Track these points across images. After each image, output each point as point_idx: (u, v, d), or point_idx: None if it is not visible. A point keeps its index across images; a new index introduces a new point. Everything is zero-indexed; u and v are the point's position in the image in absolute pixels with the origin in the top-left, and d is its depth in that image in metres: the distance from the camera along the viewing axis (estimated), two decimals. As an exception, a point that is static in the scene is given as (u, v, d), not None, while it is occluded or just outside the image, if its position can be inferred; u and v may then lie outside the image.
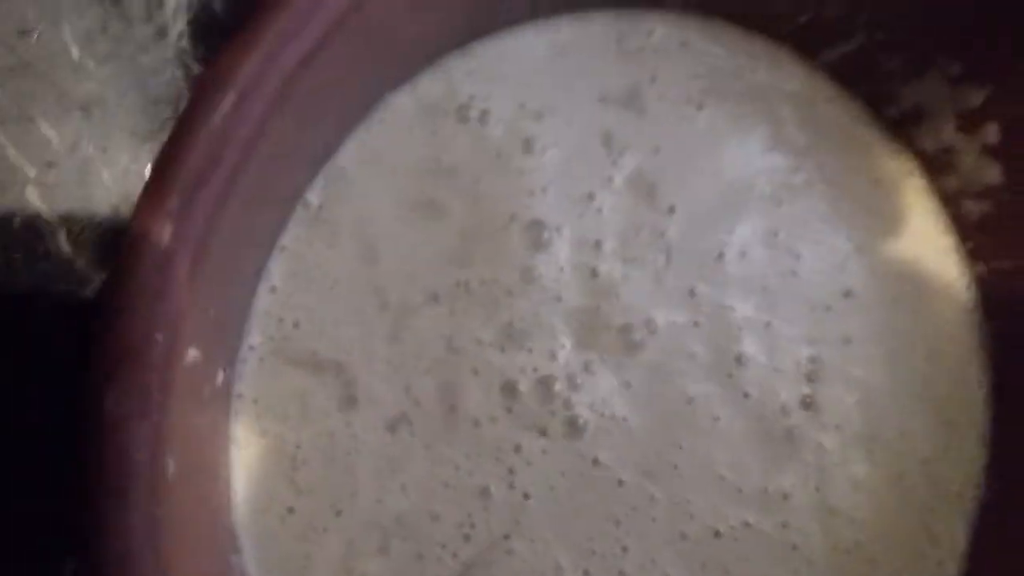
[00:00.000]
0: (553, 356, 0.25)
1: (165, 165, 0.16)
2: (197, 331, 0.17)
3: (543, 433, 0.25)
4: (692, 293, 0.27)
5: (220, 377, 0.21)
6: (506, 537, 0.24)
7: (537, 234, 0.25)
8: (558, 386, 0.25)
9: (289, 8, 0.17)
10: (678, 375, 0.26)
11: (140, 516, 0.16)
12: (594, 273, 0.26)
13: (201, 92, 0.17)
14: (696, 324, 0.27)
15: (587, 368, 0.25)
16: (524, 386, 0.25)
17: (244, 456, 0.22)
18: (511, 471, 0.25)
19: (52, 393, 0.22)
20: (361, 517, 0.23)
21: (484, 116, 0.25)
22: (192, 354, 0.17)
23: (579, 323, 0.25)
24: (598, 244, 0.26)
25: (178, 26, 0.24)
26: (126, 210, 0.23)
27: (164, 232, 0.16)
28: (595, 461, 0.25)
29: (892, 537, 0.28)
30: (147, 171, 0.21)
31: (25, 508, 0.22)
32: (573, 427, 0.25)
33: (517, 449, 0.25)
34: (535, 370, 0.25)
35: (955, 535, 0.28)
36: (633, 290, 0.26)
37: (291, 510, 0.23)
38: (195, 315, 0.17)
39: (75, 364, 0.20)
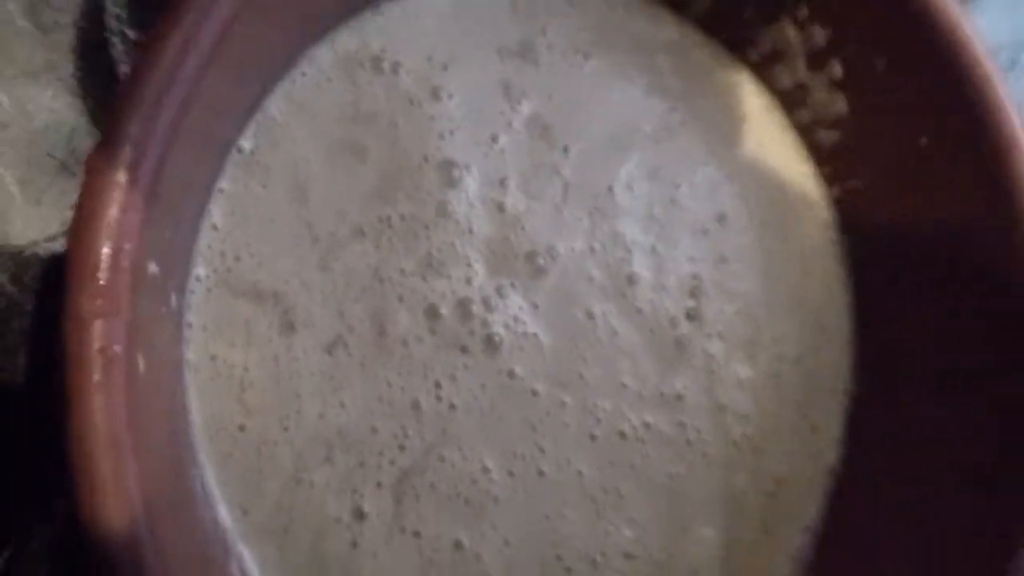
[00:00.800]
0: (469, 282, 0.28)
1: (124, 100, 0.18)
2: (155, 248, 0.19)
3: (464, 351, 0.28)
4: (587, 222, 0.30)
5: (173, 300, 0.23)
6: (437, 445, 0.27)
7: (448, 172, 0.28)
8: (475, 308, 0.28)
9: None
10: (579, 295, 0.29)
11: (122, 405, 0.18)
12: (501, 207, 0.29)
13: (143, 54, 0.19)
14: (592, 250, 0.30)
15: (499, 292, 0.28)
16: (445, 309, 0.28)
17: (196, 379, 0.25)
18: (437, 385, 0.27)
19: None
20: (306, 432, 0.26)
21: (395, 67, 0.28)
22: (152, 268, 0.19)
23: (490, 252, 0.28)
24: (503, 181, 0.29)
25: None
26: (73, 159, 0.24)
27: (121, 168, 0.18)
28: (511, 374, 0.28)
29: (775, 429, 0.31)
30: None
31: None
32: (490, 344, 0.28)
33: (442, 366, 0.27)
34: (454, 294, 0.28)
35: (831, 425, 0.32)
36: (536, 221, 0.29)
37: (242, 428, 0.25)
38: (153, 233, 0.19)
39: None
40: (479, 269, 0.28)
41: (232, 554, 0.24)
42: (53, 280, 0.24)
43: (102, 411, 0.18)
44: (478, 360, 0.28)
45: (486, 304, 0.28)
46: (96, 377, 0.18)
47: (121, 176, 0.18)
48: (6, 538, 0.24)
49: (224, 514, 0.25)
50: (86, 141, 0.25)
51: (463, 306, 0.28)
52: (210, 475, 0.24)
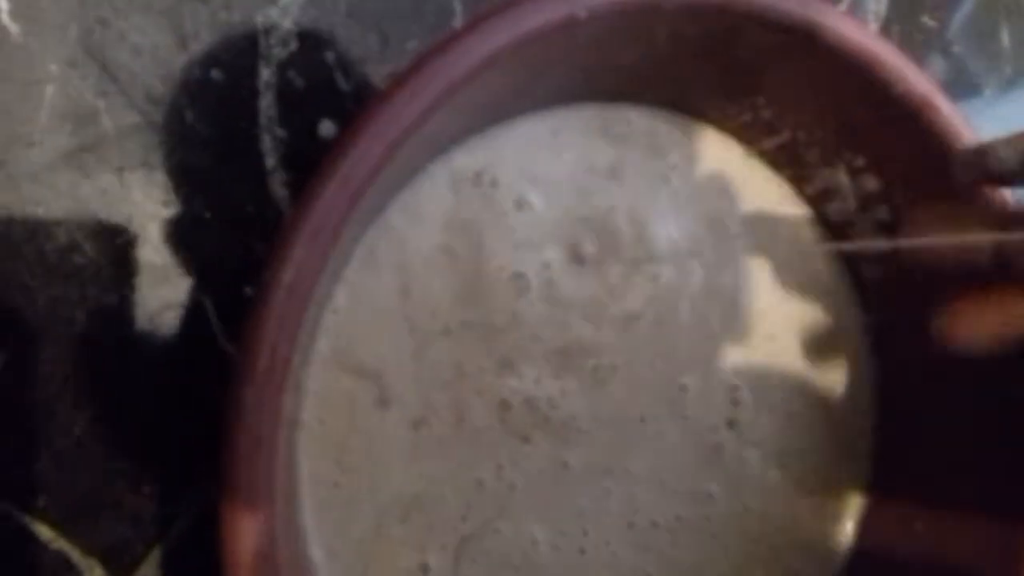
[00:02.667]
0: (537, 382, 0.33)
1: (290, 229, 0.24)
2: (301, 343, 0.25)
3: (526, 440, 0.33)
4: (648, 336, 0.35)
5: (301, 374, 0.28)
6: (494, 518, 0.32)
7: (517, 283, 0.33)
8: (540, 404, 0.33)
9: (372, 126, 0.25)
10: (634, 400, 0.34)
11: (264, 465, 0.23)
12: (566, 325, 0.34)
13: (316, 182, 0.24)
14: (651, 363, 0.34)
15: (563, 393, 0.33)
16: (515, 403, 0.33)
17: (305, 437, 0.30)
18: (501, 467, 0.32)
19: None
20: (389, 493, 0.31)
21: (493, 182, 0.33)
22: (296, 359, 0.25)
23: (557, 360, 0.33)
24: (570, 298, 0.34)
25: (267, 99, 0.31)
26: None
27: (284, 287, 0.24)
28: (565, 464, 0.33)
29: (792, 532, 0.36)
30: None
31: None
32: (550, 436, 0.33)
33: (507, 451, 0.32)
34: (523, 391, 0.33)
35: (844, 532, 0.37)
36: (602, 336, 0.34)
37: (337, 484, 0.30)
38: (300, 335, 0.24)
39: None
40: (546, 372, 0.33)
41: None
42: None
43: (251, 474, 0.23)
44: (538, 449, 0.33)
45: (550, 403, 0.33)
46: (249, 453, 0.23)
47: (281, 293, 0.23)
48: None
49: (316, 552, 0.30)
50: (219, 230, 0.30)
51: (530, 403, 0.33)
52: (308, 518, 0.30)
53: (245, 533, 0.24)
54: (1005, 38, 0.45)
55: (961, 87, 0.44)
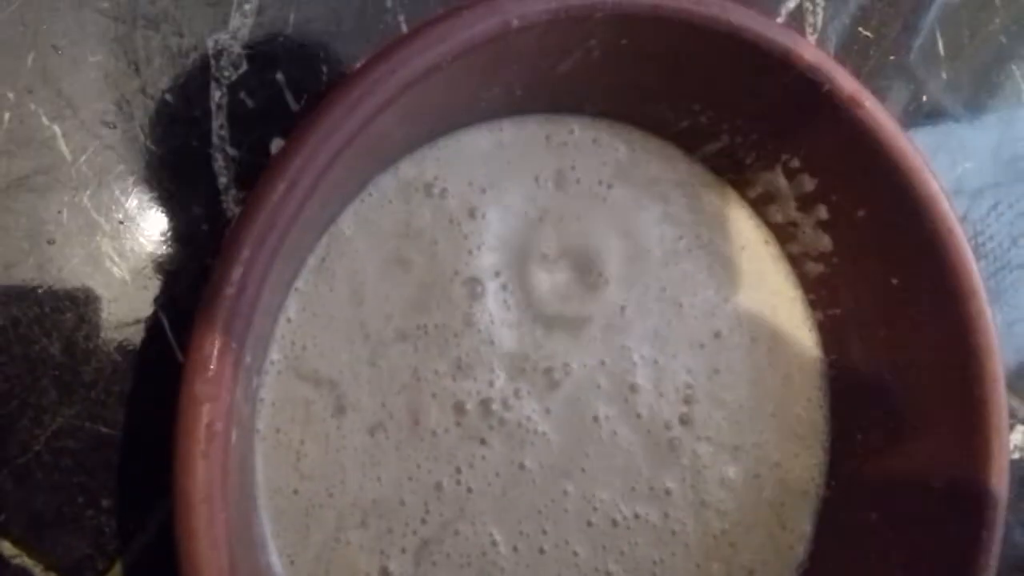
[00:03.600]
0: (491, 384, 0.34)
1: (237, 232, 0.25)
2: (251, 343, 0.26)
3: (483, 443, 0.34)
4: (600, 339, 0.36)
5: (254, 381, 0.29)
6: (454, 520, 0.33)
7: (472, 288, 0.34)
8: (495, 407, 0.34)
9: (317, 129, 0.26)
10: (587, 402, 0.36)
11: (217, 466, 0.24)
12: (519, 325, 0.35)
13: (262, 183, 0.26)
14: (602, 363, 0.36)
15: (516, 395, 0.35)
16: (470, 406, 0.34)
17: (262, 447, 0.31)
18: (458, 470, 0.34)
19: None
20: (348, 499, 0.32)
21: (443, 192, 0.34)
22: (247, 359, 0.26)
23: (511, 362, 0.35)
24: (527, 300, 0.35)
25: (219, 119, 0.33)
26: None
27: (234, 283, 0.25)
28: (521, 465, 0.34)
29: (751, 525, 0.37)
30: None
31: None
32: (505, 438, 0.34)
33: (463, 454, 0.34)
34: (478, 394, 0.34)
35: (802, 523, 0.38)
36: (554, 342, 0.36)
37: (295, 491, 0.32)
38: (251, 332, 0.25)
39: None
40: (500, 375, 0.34)
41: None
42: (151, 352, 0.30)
43: (203, 475, 0.24)
44: (494, 451, 0.34)
45: (504, 404, 0.34)
46: (201, 448, 0.24)
47: (231, 290, 0.25)
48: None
49: (275, 560, 0.31)
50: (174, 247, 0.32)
51: (485, 405, 0.34)
52: (266, 527, 0.31)
53: (202, 538, 0.24)
54: (966, 63, 0.47)
55: (923, 114, 0.46)
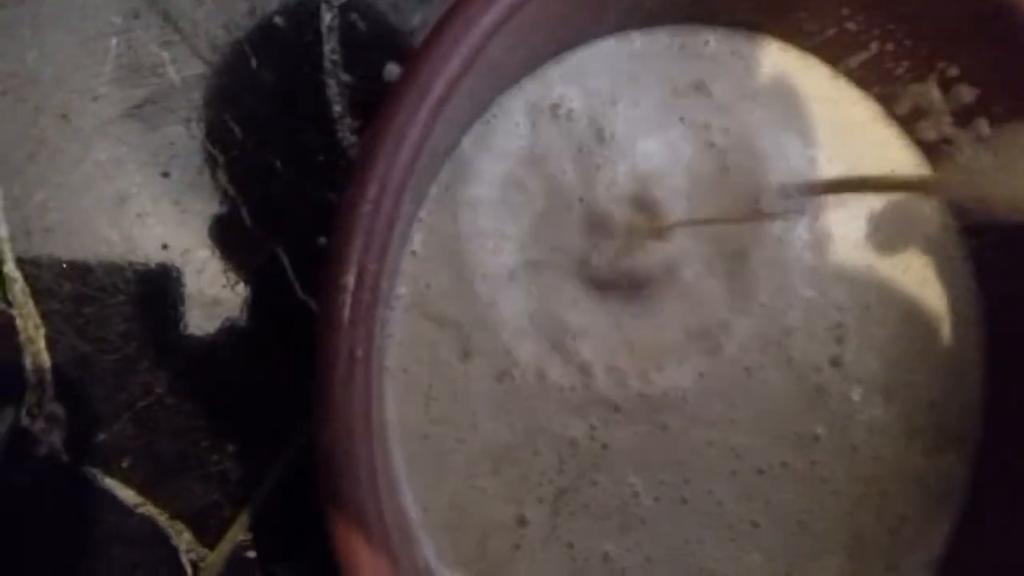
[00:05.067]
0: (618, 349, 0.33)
1: (372, 146, 0.24)
2: (387, 269, 0.25)
3: (616, 410, 0.32)
4: (759, 278, 0.34)
5: (384, 313, 0.28)
6: (590, 471, 0.32)
7: (604, 221, 0.33)
8: (631, 380, 0.32)
9: (454, 28, 0.25)
10: (741, 355, 0.34)
11: (360, 396, 0.23)
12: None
13: (390, 103, 0.24)
14: (762, 305, 0.34)
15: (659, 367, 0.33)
16: (598, 371, 0.32)
17: (392, 385, 0.30)
18: (592, 428, 0.32)
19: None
20: (479, 445, 0.31)
21: (570, 113, 0.33)
22: (384, 284, 0.25)
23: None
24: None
25: (330, 43, 0.31)
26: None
27: (369, 204, 0.24)
28: (664, 427, 0.33)
29: (903, 471, 0.35)
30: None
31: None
32: (645, 407, 0.32)
33: (597, 415, 0.32)
34: (604, 360, 0.32)
35: (957, 467, 0.36)
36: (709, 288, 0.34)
37: (426, 436, 0.31)
38: (388, 257, 0.24)
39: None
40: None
41: (413, 539, 0.29)
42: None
43: (345, 405, 0.23)
44: (632, 417, 0.32)
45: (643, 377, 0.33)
46: (342, 373, 0.23)
47: (368, 208, 0.23)
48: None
49: (409, 504, 0.30)
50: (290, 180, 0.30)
51: (615, 372, 0.32)
52: (400, 469, 0.29)
53: (346, 475, 0.23)
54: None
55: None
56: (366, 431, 0.23)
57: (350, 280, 0.23)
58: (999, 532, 0.34)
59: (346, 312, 0.23)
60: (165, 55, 0.30)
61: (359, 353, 0.23)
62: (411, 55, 0.25)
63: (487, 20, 0.25)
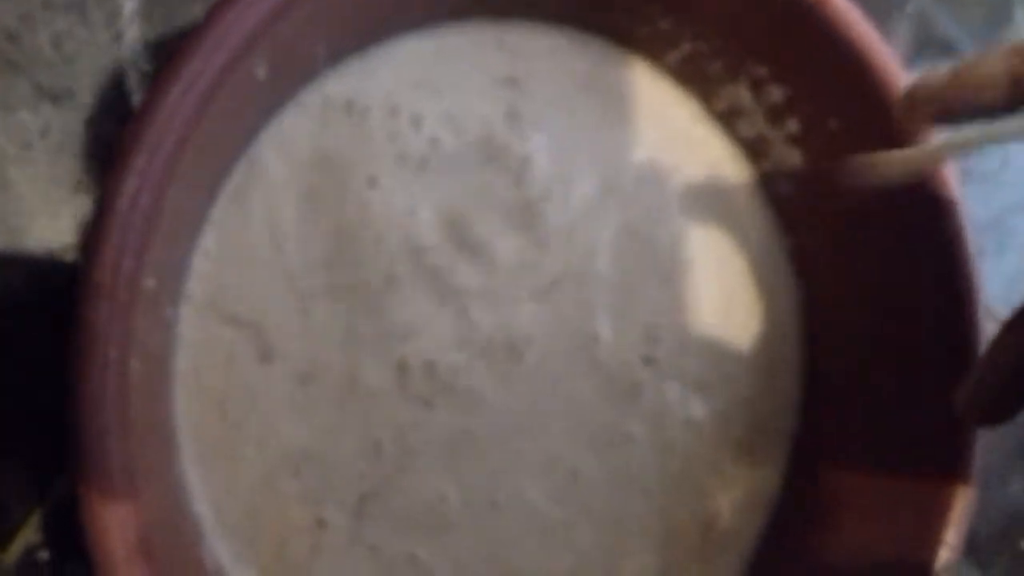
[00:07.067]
0: (441, 348, 0.33)
1: (131, 137, 0.23)
2: (153, 265, 0.24)
3: (428, 406, 0.33)
4: (561, 291, 0.35)
5: (168, 312, 0.28)
6: (396, 475, 0.32)
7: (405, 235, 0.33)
8: (442, 372, 0.33)
9: (212, 30, 0.25)
10: (547, 367, 0.34)
11: (114, 401, 0.23)
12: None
13: (147, 97, 0.24)
14: (563, 318, 0.34)
15: (469, 364, 0.33)
16: (415, 366, 0.32)
17: (183, 387, 0.30)
18: (400, 429, 0.32)
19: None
20: (278, 447, 0.31)
21: (365, 111, 0.32)
22: (150, 282, 0.24)
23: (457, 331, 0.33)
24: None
25: (131, 33, 0.31)
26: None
27: (125, 195, 0.24)
28: (469, 432, 0.33)
29: (717, 468, 0.36)
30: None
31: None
32: (454, 403, 0.33)
33: (407, 416, 0.32)
34: (423, 355, 0.33)
35: (772, 461, 0.37)
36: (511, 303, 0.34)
37: (220, 437, 0.30)
38: (152, 251, 0.24)
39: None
40: (447, 342, 0.33)
41: (205, 543, 0.29)
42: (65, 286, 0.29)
43: (93, 400, 0.23)
44: (440, 416, 0.33)
45: (452, 371, 0.33)
46: (93, 371, 0.23)
47: (124, 203, 0.23)
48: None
49: (201, 507, 0.30)
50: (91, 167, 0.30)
51: (430, 368, 0.33)
52: (191, 472, 0.29)
53: (100, 475, 0.23)
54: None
55: (932, 48, 0.45)
56: (119, 432, 0.23)
57: (104, 276, 0.23)
58: (813, 529, 0.35)
59: (99, 311, 0.23)
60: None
61: (112, 355, 0.23)
62: (185, 38, 0.25)
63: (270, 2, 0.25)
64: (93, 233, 0.23)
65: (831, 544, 0.34)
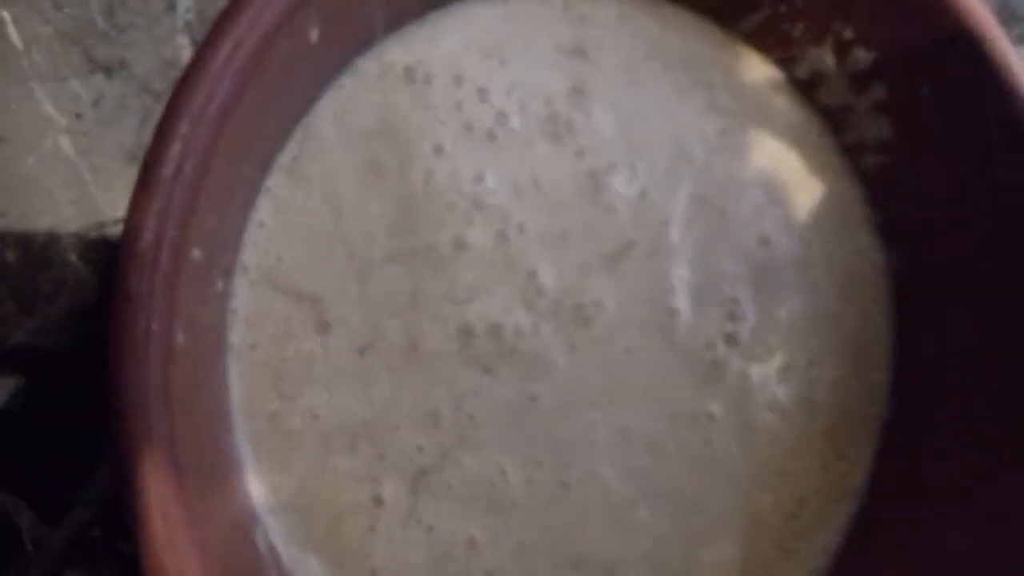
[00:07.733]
0: (507, 311, 0.32)
1: (176, 101, 0.23)
2: (201, 235, 0.24)
3: (488, 372, 0.32)
4: (636, 261, 0.33)
5: (219, 285, 0.28)
6: (455, 449, 0.31)
7: (469, 204, 0.32)
8: (507, 335, 0.32)
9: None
10: (619, 334, 0.33)
11: (156, 374, 0.23)
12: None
13: (194, 58, 0.24)
14: (638, 287, 0.33)
15: (535, 327, 0.32)
16: (479, 330, 0.32)
17: (236, 362, 0.29)
18: (459, 398, 0.31)
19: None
20: (333, 422, 0.31)
21: (428, 77, 0.32)
22: (196, 253, 0.24)
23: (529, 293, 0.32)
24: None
25: (185, 3, 0.31)
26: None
27: (169, 162, 0.23)
28: (534, 398, 0.32)
29: (803, 451, 0.35)
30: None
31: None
32: (518, 368, 0.32)
33: (467, 383, 0.32)
34: (489, 318, 0.32)
35: (859, 450, 0.35)
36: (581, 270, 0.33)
37: (275, 412, 0.30)
38: (199, 221, 0.24)
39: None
40: (515, 300, 0.32)
41: (259, 523, 0.29)
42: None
43: (135, 377, 0.23)
44: (502, 382, 0.32)
45: (518, 333, 0.32)
46: (134, 347, 0.23)
47: (168, 169, 0.23)
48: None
49: (254, 485, 0.29)
50: (141, 140, 0.30)
51: (495, 329, 0.32)
52: (244, 448, 0.29)
53: (142, 460, 0.23)
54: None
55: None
56: (164, 412, 0.23)
57: (146, 245, 0.23)
58: (902, 518, 0.34)
59: (140, 280, 0.23)
60: (5, 14, 0.30)
61: (155, 327, 0.23)
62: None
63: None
64: (134, 200, 0.23)
65: (923, 538, 0.33)
